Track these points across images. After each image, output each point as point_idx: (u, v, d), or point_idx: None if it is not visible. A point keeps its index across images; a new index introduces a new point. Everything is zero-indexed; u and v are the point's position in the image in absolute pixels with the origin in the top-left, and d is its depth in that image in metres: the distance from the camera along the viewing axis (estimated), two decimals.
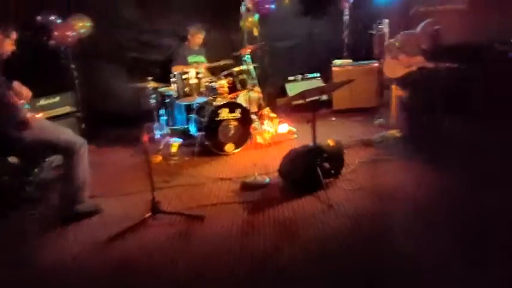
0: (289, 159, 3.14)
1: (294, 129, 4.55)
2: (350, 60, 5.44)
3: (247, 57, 4.39)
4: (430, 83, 4.20)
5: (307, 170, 3.00)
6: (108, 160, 4.25)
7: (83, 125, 4.56)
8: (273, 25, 5.66)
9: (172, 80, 4.00)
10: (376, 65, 5.24)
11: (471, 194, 2.81)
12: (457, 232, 2.35)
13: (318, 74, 5.73)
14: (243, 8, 3.73)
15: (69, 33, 4.01)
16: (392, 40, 4.55)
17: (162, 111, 4.39)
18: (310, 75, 5.73)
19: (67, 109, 4.27)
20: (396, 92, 4.57)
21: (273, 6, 5.28)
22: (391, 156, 3.59)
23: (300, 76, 5.64)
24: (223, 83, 4.14)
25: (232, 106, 4.05)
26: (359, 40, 5.64)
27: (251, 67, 4.41)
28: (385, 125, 4.64)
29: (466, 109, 4.25)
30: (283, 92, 5.69)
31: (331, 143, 3.24)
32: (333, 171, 3.18)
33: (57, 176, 3.26)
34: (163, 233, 2.65)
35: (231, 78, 4.20)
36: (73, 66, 4.37)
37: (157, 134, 4.31)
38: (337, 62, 5.39)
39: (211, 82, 4.11)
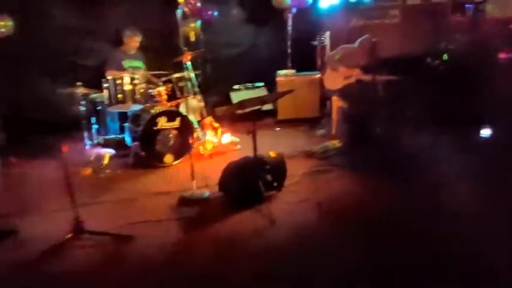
0: (228, 172, 2.98)
1: (237, 140, 4.41)
2: (293, 71, 5.48)
3: (188, 64, 4.20)
4: (367, 94, 4.33)
5: (248, 183, 2.87)
6: (30, 173, 3.77)
7: (3, 133, 4.07)
8: (217, 32, 5.56)
9: (105, 85, 3.68)
10: (319, 76, 5.32)
11: (412, 203, 2.86)
12: (400, 242, 2.35)
13: (262, 84, 5.71)
14: (179, 13, 3.54)
15: None
16: (332, 53, 4.65)
17: (93, 120, 4.02)
18: (255, 85, 5.70)
19: None
20: (337, 103, 4.64)
21: (215, 13, 5.17)
22: (333, 167, 3.59)
23: (244, 85, 5.57)
24: (161, 90, 3.89)
25: (171, 114, 3.82)
26: (302, 51, 5.70)
27: (192, 74, 4.21)
28: (327, 135, 4.69)
29: (402, 119, 4.43)
30: (228, 101, 5.57)
31: (272, 154, 3.15)
32: (275, 184, 3.08)
33: None
34: (86, 255, 2.36)
35: (170, 85, 3.96)
36: None
37: (87, 144, 3.94)
38: (281, 72, 5.39)
39: (148, 89, 3.84)
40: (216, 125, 4.48)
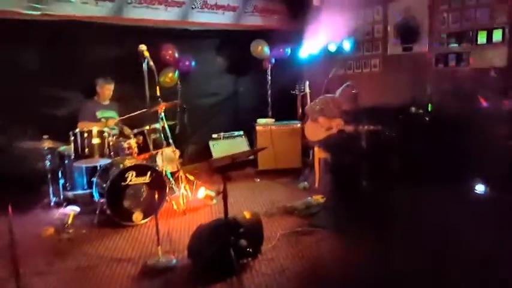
0: (197, 236, 2.72)
1: (213, 194, 4.18)
2: (273, 120, 5.39)
3: (162, 115, 4.04)
4: (349, 146, 4.21)
5: (219, 249, 2.59)
6: None
7: None
8: (196, 82, 5.50)
9: (72, 139, 3.46)
10: (299, 125, 5.23)
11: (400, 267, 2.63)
12: None
13: (242, 132, 5.58)
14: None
15: None
16: (312, 103, 4.59)
17: (60, 174, 3.76)
18: (234, 133, 5.57)
19: None
20: (319, 154, 4.51)
21: (193, 63, 5.12)
22: (315, 227, 3.35)
23: (222, 134, 5.43)
24: (131, 143, 3.69)
25: (141, 169, 3.58)
26: (282, 100, 5.66)
27: (166, 125, 4.05)
28: (309, 188, 4.50)
29: (387, 171, 4.29)
30: (207, 150, 5.39)
31: (247, 215, 2.91)
32: (250, 250, 2.82)
33: None
34: None
35: (141, 138, 3.77)
36: None
37: (52, 200, 3.64)
38: (261, 121, 5.29)
39: (118, 141, 3.64)
40: (190, 177, 4.27)
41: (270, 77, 5.75)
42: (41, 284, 2.59)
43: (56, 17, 4.27)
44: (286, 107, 5.68)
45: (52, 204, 3.62)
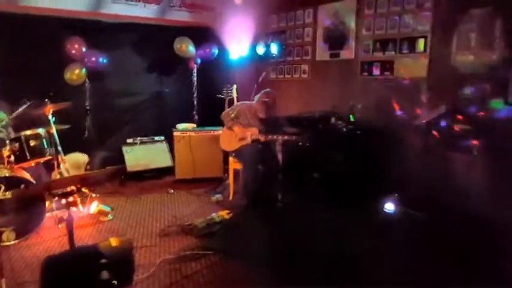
0: (47, 270, 2.27)
1: (108, 209, 3.72)
2: (194, 125, 5.00)
3: (51, 118, 3.54)
4: (263, 156, 3.91)
5: (67, 286, 2.18)
6: None
7: None
8: (111, 80, 4.99)
9: None
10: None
11: None
12: None
13: (163, 137, 5.15)
14: None
15: None
16: (228, 110, 4.23)
17: None
18: (155, 138, 5.13)
19: None
20: (233, 165, 4.17)
21: (104, 60, 4.61)
22: (206, 251, 2.97)
23: (139, 139, 4.97)
24: (4, 152, 3.17)
25: (12, 182, 3.07)
26: (208, 104, 5.27)
27: (53, 130, 3.55)
28: (223, 201, 4.16)
29: (301, 185, 4.02)
30: (120, 156, 4.91)
31: (113, 242, 2.49)
32: (115, 282, 2.42)
33: None
34: None
35: (17, 144, 3.26)
36: None
37: None
38: (180, 126, 4.88)
39: None
40: (84, 190, 3.79)
41: (195, 78, 5.36)
42: None
43: None
44: (213, 111, 5.26)
45: None
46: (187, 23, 5.44)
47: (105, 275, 2.37)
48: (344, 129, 4.11)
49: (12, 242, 3.08)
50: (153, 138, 5.10)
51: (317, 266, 2.74)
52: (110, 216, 3.66)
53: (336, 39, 4.71)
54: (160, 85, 5.40)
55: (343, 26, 4.63)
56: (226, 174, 4.64)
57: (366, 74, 4.43)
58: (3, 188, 3.03)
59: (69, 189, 2.45)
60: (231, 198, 4.18)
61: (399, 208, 3.49)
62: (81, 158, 4.73)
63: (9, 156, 3.20)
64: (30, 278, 2.58)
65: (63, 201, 2.53)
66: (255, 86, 4.86)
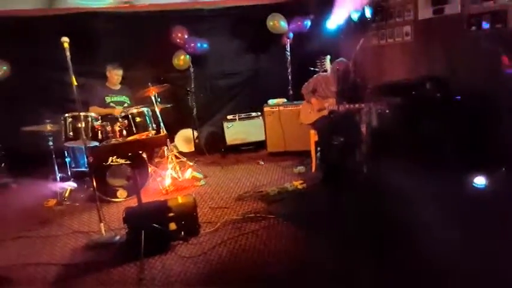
0: (126, 218, 2.80)
1: (201, 176, 4.20)
2: (284, 100, 5.06)
3: (155, 99, 4.19)
4: (341, 127, 3.71)
5: (140, 232, 2.64)
6: (10, 201, 4.12)
7: (3, 164, 4.61)
8: (212, 63, 5.51)
9: (61, 122, 3.87)
10: None
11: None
12: None
13: (259, 113, 5.40)
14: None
15: None
16: (306, 83, 4.15)
17: (66, 152, 4.27)
18: (252, 114, 5.43)
19: None
20: (313, 137, 4.10)
21: (205, 45, 5.10)
22: (269, 215, 3.10)
23: (238, 115, 5.35)
24: (115, 127, 3.93)
25: (122, 150, 3.79)
26: (303, 78, 5.22)
27: (157, 109, 4.19)
28: (305, 173, 4.16)
29: (390, 155, 3.68)
30: (222, 132, 5.41)
31: (181, 200, 2.88)
32: (182, 233, 2.80)
33: None
34: None
35: (125, 121, 3.99)
36: None
37: (58, 176, 4.18)
38: (271, 101, 5.03)
39: (103, 125, 3.92)
40: (183, 158, 4.37)
41: (289, 54, 5.40)
42: (7, 246, 3.03)
43: (66, 10, 4.72)
44: None
45: (58, 179, 4.14)
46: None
47: (172, 226, 2.78)
48: (439, 95, 3.56)
49: (124, 199, 3.86)
50: (250, 114, 5.42)
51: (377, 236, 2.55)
52: (202, 182, 4.14)
53: None
54: (256, 64, 5.65)
55: None
56: None
57: (474, 28, 3.67)
58: (114, 156, 3.80)
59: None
60: (313, 170, 4.15)
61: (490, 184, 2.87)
62: (191, 133, 5.44)
63: (120, 131, 3.97)
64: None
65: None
66: (354, 54, 4.60)
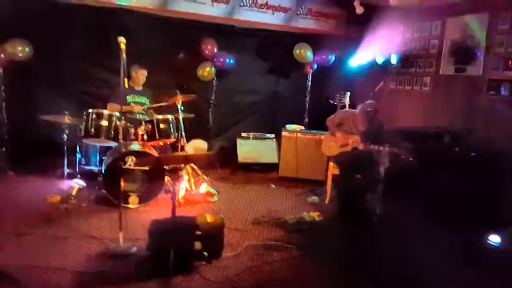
0: (151, 231, 2.69)
1: (215, 191, 4.13)
2: (302, 127, 5.11)
3: (180, 107, 4.14)
4: (362, 165, 3.76)
5: (164, 248, 2.53)
6: (13, 191, 3.91)
7: (3, 149, 4.37)
8: (235, 79, 5.51)
9: (84, 117, 3.75)
10: None
11: None
12: None
13: (273, 136, 5.41)
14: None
15: None
16: (332, 116, 4.23)
17: (78, 148, 4.12)
18: (266, 135, 5.43)
19: None
20: (332, 170, 4.13)
21: (230, 60, 5.12)
22: (290, 245, 3.05)
23: (252, 134, 5.34)
24: (139, 130, 3.84)
25: (142, 156, 3.71)
26: (319, 108, 5.33)
27: (180, 117, 4.12)
28: (318, 204, 4.16)
29: (400, 202, 3.73)
30: (234, 148, 5.37)
31: (209, 218, 2.80)
32: (205, 254, 2.71)
33: None
34: None
35: (150, 126, 3.90)
36: (2, 87, 4.23)
37: (65, 171, 4.02)
38: (289, 126, 5.06)
39: (126, 127, 3.82)
40: (198, 171, 4.29)
41: (310, 83, 5.49)
42: (12, 243, 2.84)
43: (101, 3, 4.63)
44: (323, 116, 5.31)
45: (65, 175, 3.97)
46: (308, 30, 5.61)
47: (197, 245, 2.69)
48: (457, 150, 3.68)
49: (135, 206, 3.72)
50: (265, 135, 5.42)
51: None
52: (215, 198, 4.07)
53: (463, 54, 4.27)
54: (276, 87, 5.71)
55: (472, 40, 4.17)
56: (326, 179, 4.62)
57: (492, 93, 3.87)
58: (134, 159, 3.69)
59: (177, 165, 2.85)
60: (326, 202, 4.15)
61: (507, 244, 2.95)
62: (202, 144, 5.36)
63: (143, 135, 3.87)
64: (141, 236, 2.99)
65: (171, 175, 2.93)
66: (371, 94, 4.71)
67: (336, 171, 4.03)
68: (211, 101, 5.03)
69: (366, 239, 3.16)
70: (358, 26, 5.41)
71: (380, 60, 5.06)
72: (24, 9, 4.38)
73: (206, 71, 5.17)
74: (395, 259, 2.79)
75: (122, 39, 3.00)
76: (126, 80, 3.02)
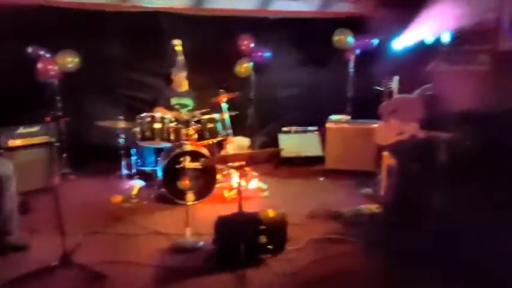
0: (216, 226, 2.79)
1: (265, 187, 4.19)
2: (348, 117, 5.04)
3: (224, 105, 4.20)
4: (422, 155, 3.66)
5: (232, 242, 2.62)
6: (77, 193, 4.15)
7: (65, 155, 4.64)
8: (273, 73, 5.50)
9: (138, 121, 3.91)
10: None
11: None
12: None
13: (315, 128, 5.38)
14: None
15: (51, 67, 4.15)
16: (386, 102, 4.11)
17: (133, 151, 4.30)
18: (308, 128, 5.42)
19: (46, 138, 4.27)
20: (387, 160, 4.05)
21: (267, 54, 5.13)
22: (351, 238, 3.07)
23: (294, 128, 5.34)
24: (190, 130, 3.95)
25: (195, 155, 3.82)
26: (364, 96, 5.21)
27: (226, 116, 4.19)
28: (373, 195, 4.11)
29: (466, 193, 3.60)
30: (275, 143, 5.40)
31: (271, 213, 2.85)
32: (270, 247, 2.78)
33: None
34: (58, 285, 2.46)
35: (198, 126, 4.00)
36: (58, 98, 4.48)
37: (123, 173, 4.21)
38: (333, 117, 5.00)
39: (178, 128, 3.94)
40: (247, 168, 4.36)
41: (352, 70, 5.38)
42: (89, 241, 3.04)
43: (140, 8, 4.78)
44: (368, 104, 5.21)
45: (124, 176, 4.17)
46: (346, 14, 5.49)
47: (263, 239, 2.76)
48: None
49: (192, 203, 3.85)
50: (306, 128, 5.40)
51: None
52: (266, 193, 4.13)
53: None
54: (315, 77, 5.63)
55: None
56: (378, 169, 4.55)
57: None
58: (189, 159, 3.81)
59: (239, 163, 2.91)
60: (381, 193, 4.10)
61: None
62: (244, 141, 5.42)
63: (193, 135, 3.98)
64: (204, 231, 3.10)
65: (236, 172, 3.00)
66: (420, 78, 4.56)
67: (392, 161, 3.95)
68: (250, 97, 5.05)
69: (430, 232, 3.10)
70: (401, 5, 5.23)
71: (429, 39, 4.86)
72: (72, 21, 4.61)
73: (243, 67, 5.21)
74: (465, 255, 2.72)
75: (177, 42, 3.08)
76: (186, 82, 3.09)
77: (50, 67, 4.16)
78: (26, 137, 4.14)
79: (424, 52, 5.03)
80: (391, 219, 3.47)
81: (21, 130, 4.13)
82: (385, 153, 4.10)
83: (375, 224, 3.34)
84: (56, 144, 4.37)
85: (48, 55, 4.18)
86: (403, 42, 5.10)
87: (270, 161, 4.96)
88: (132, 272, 2.61)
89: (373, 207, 3.58)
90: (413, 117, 3.83)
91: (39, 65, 4.11)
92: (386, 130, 4.00)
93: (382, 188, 4.14)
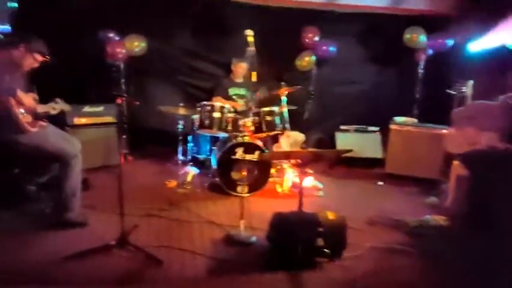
0: (272, 224, 2.68)
1: (321, 186, 4.01)
2: (415, 120, 4.68)
3: (283, 99, 4.07)
4: (501, 168, 3.28)
5: (289, 242, 2.50)
6: (134, 174, 4.25)
7: (124, 136, 4.78)
8: (335, 68, 5.27)
9: (198, 109, 3.90)
10: (446, 131, 4.38)
11: None
12: None
13: (377, 128, 5.08)
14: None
15: (119, 50, 4.26)
16: (461, 108, 3.75)
17: (190, 138, 4.32)
18: (368, 128, 5.13)
19: (109, 119, 4.45)
20: (457, 169, 3.70)
21: (332, 48, 4.89)
22: (416, 249, 2.82)
23: (354, 127, 5.07)
24: (247, 122, 3.86)
25: (250, 147, 3.74)
26: (433, 99, 4.83)
27: (285, 110, 4.05)
28: (438, 206, 3.78)
29: None
30: (332, 141, 5.18)
31: (330, 216, 2.69)
32: (327, 251, 2.62)
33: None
34: (114, 265, 2.48)
35: (257, 118, 3.91)
36: (123, 80, 4.61)
37: (179, 159, 4.24)
38: (398, 119, 4.67)
39: (236, 119, 3.88)
40: (307, 168, 4.19)
41: (422, 71, 5.00)
42: (144, 223, 3.07)
43: None
44: (438, 107, 4.80)
45: (180, 162, 4.20)
46: (420, 11, 5.09)
47: (320, 242, 2.61)
48: None
49: (245, 195, 3.78)
50: (367, 128, 5.12)
51: None
52: (321, 193, 3.96)
53: None
54: (380, 75, 5.33)
55: None
56: (444, 178, 4.19)
57: None
58: (243, 150, 3.74)
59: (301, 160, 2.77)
60: (448, 205, 3.76)
61: None
62: (299, 136, 5.26)
63: (250, 126, 3.89)
64: (257, 225, 3.05)
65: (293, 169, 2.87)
66: (498, 84, 4.10)
67: (463, 172, 3.61)
68: (311, 92, 4.86)
69: (502, 250, 2.76)
70: (482, 4, 4.75)
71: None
72: (141, 5, 4.69)
73: (305, 61, 5.03)
74: None
75: (249, 32, 3.00)
76: (254, 73, 3.00)
77: (118, 50, 4.28)
78: (91, 116, 4.32)
79: (505, 58, 4.56)
80: (461, 233, 3.18)
81: (87, 109, 4.31)
82: (456, 162, 3.75)
83: (442, 237, 3.05)
84: (118, 125, 4.53)
85: (117, 38, 4.30)
86: (481, 45, 4.65)
87: (334, 160, 4.75)
88: (186, 260, 2.58)
89: (440, 219, 3.28)
90: (492, 127, 3.45)
91: (108, 48, 4.25)
92: (459, 138, 3.66)
93: (448, 198, 3.81)
